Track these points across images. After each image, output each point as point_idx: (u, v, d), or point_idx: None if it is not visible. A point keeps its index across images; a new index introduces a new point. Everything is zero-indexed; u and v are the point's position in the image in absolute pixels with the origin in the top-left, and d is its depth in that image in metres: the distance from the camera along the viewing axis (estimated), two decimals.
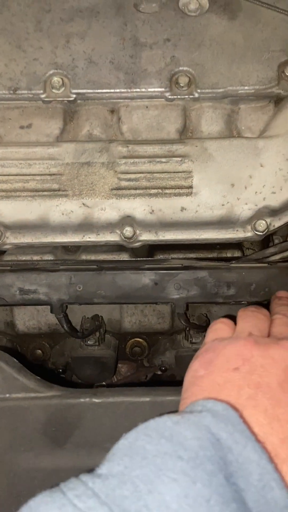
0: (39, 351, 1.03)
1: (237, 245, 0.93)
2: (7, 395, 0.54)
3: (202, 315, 0.93)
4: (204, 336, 0.94)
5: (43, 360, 1.03)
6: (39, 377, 0.57)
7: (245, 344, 0.42)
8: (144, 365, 1.09)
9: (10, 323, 0.99)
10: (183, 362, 0.96)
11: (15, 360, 0.57)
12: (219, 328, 0.49)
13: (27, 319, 0.97)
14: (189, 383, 0.43)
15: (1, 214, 0.76)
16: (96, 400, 0.54)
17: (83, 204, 0.77)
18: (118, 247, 0.89)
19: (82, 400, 0.54)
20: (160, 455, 0.33)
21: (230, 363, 0.41)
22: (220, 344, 0.44)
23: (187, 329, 0.91)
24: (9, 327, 0.99)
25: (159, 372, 1.09)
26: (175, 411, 0.39)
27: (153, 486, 0.30)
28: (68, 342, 0.99)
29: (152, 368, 1.10)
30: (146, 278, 0.79)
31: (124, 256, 0.89)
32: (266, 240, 0.97)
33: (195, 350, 0.97)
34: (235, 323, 0.51)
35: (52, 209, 0.77)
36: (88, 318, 0.93)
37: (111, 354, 0.95)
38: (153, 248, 0.92)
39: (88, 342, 0.93)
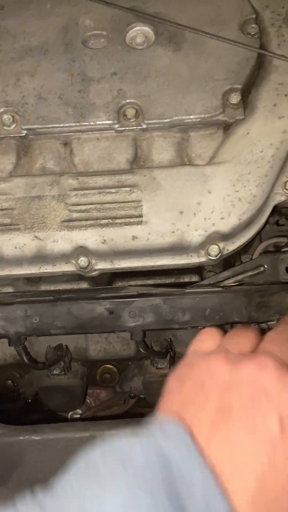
0: (10, 381, 1.04)
1: (195, 269, 0.94)
2: None
3: (166, 340, 0.93)
4: (170, 361, 0.94)
5: (14, 390, 1.03)
6: None
7: (216, 360, 0.42)
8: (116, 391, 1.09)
9: None
10: (151, 388, 0.95)
11: None
12: (202, 339, 0.49)
13: None
14: (162, 399, 0.44)
15: None
16: (36, 438, 0.54)
17: (36, 237, 0.78)
18: (77, 277, 0.90)
19: (21, 438, 0.54)
20: (110, 473, 0.34)
21: (198, 379, 0.42)
22: (195, 359, 0.45)
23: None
24: None
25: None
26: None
27: (98, 502, 0.32)
28: (36, 372, 0.99)
29: (126, 393, 1.10)
30: (101, 307, 0.80)
31: (84, 285, 0.89)
32: (231, 261, 0.98)
33: (162, 376, 0.98)
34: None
35: (5, 243, 0.78)
36: (52, 347, 0.93)
37: (78, 382, 0.95)
38: (113, 276, 0.93)
39: (54, 371, 0.93)
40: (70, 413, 1.11)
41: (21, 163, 0.84)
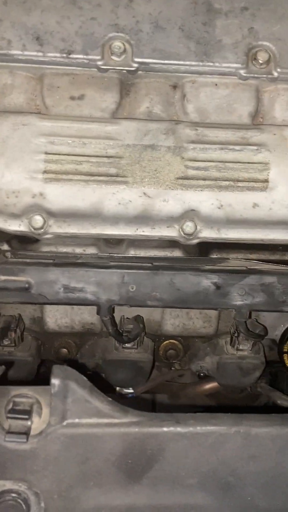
0: (65, 350, 0.94)
1: None
2: (77, 420, 0.45)
3: (255, 321, 0.85)
4: (254, 342, 0.86)
5: (68, 360, 0.94)
6: (111, 399, 0.49)
7: None
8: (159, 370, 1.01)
9: (38, 319, 0.88)
10: (226, 370, 0.88)
11: (85, 379, 0.48)
12: None
13: (59, 317, 0.87)
14: None
15: (47, 199, 0.65)
16: (181, 430, 0.46)
17: (144, 193, 0.67)
18: (170, 243, 0.80)
19: (165, 429, 0.46)
20: None
21: None
22: None
23: (236, 335, 0.84)
24: (35, 323, 0.89)
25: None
26: None
27: None
28: (100, 343, 0.90)
29: (176, 371, 1.02)
30: (207, 280, 0.70)
31: (178, 254, 0.79)
32: None
33: (240, 357, 0.91)
34: None
35: (107, 197, 0.66)
36: (128, 318, 0.84)
37: (149, 358, 0.87)
38: (207, 246, 0.83)
39: (126, 344, 0.84)
40: (118, 388, 1.03)
41: (122, 104, 0.71)
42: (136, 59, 0.68)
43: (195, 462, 0.47)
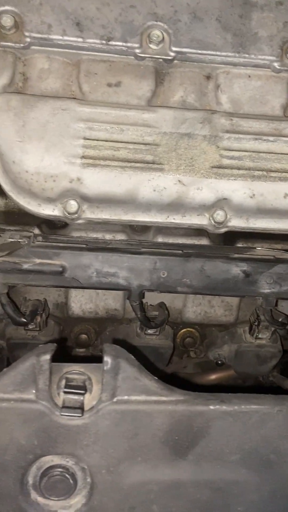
0: (85, 335, 0.95)
1: None
2: (127, 397, 0.47)
3: (276, 310, 0.87)
4: (273, 331, 0.88)
5: (88, 346, 0.95)
6: (157, 378, 0.50)
7: None
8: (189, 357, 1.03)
9: (61, 304, 0.89)
10: (244, 357, 0.90)
11: (134, 358, 0.49)
12: None
13: (84, 302, 0.88)
14: None
15: (84, 184, 0.66)
16: (227, 408, 0.47)
17: (179, 181, 0.68)
18: (196, 231, 0.81)
19: (211, 407, 0.47)
20: None
21: None
22: None
23: (256, 323, 0.86)
24: (58, 308, 0.90)
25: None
26: None
27: None
28: (121, 329, 0.91)
29: (191, 359, 1.04)
30: (237, 268, 0.72)
31: (205, 242, 0.81)
32: None
33: (258, 346, 0.93)
34: None
35: (143, 184, 0.67)
36: (151, 305, 0.85)
37: (169, 345, 0.89)
38: (232, 235, 0.85)
39: (148, 331, 0.86)
40: None
41: (157, 92, 0.72)
42: (174, 48, 0.69)
43: (239, 439, 0.49)
